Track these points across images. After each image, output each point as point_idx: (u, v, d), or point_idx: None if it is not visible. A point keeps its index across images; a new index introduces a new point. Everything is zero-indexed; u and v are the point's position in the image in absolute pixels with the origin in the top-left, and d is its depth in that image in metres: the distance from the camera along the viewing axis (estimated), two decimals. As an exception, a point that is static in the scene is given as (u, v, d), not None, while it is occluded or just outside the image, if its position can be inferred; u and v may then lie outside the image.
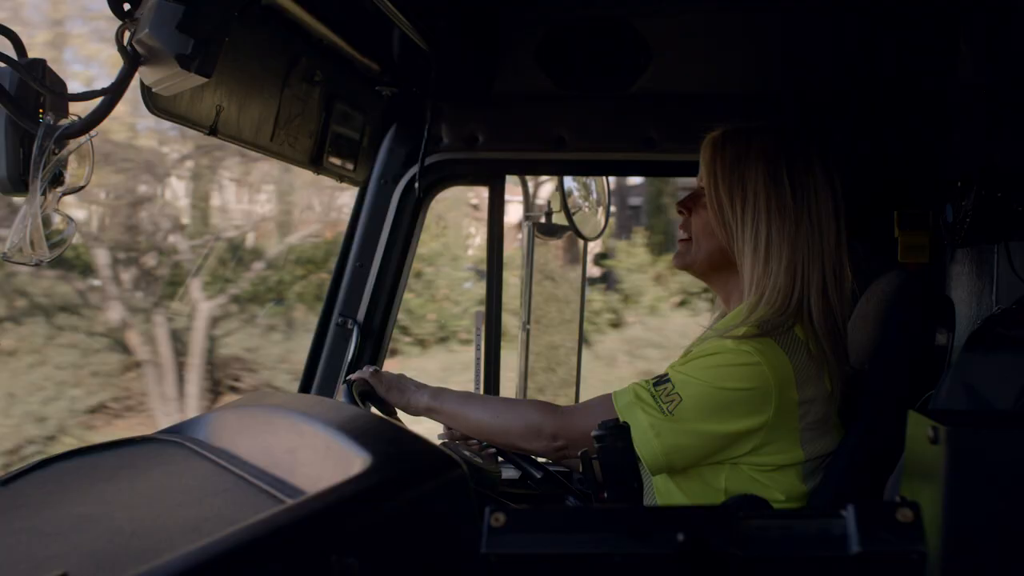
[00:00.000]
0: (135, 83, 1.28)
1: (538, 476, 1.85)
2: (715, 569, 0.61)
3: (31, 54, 1.21)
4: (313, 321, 4.17)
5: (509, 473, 1.92)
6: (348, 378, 1.77)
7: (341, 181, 2.34)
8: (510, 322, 2.75)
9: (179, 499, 0.97)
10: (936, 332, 1.61)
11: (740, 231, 1.58)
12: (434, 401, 1.72)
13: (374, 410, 1.72)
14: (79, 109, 1.24)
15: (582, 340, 3.31)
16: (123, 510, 0.94)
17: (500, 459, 1.85)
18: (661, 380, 1.53)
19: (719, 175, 1.61)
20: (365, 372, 1.78)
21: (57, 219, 1.24)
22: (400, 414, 1.80)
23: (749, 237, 1.57)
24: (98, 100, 1.22)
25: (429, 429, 1.85)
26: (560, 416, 1.64)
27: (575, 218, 2.76)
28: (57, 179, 1.21)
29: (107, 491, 1.01)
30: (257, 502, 0.92)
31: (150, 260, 8.63)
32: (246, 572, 0.75)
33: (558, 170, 2.62)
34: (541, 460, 1.92)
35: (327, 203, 9.44)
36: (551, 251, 3.12)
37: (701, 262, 1.66)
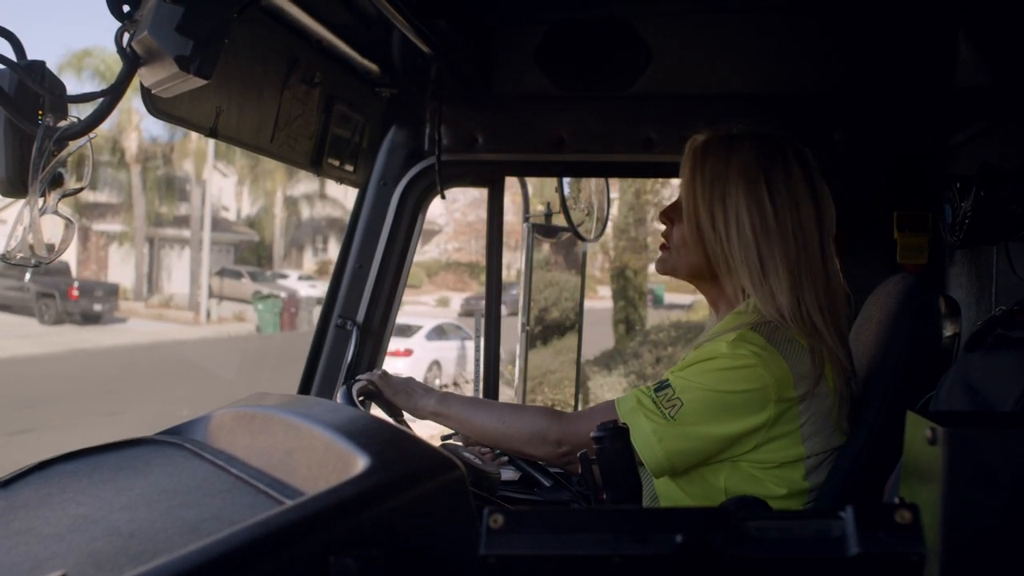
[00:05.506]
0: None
1: (547, 484, 1.86)
2: (714, 570, 0.61)
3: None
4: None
5: (507, 475, 1.92)
6: (358, 377, 1.79)
7: (341, 183, 2.34)
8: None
9: (178, 500, 0.97)
10: (943, 335, 1.61)
11: (727, 250, 1.58)
12: (441, 406, 1.73)
13: (379, 413, 1.73)
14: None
15: (581, 343, 3.32)
16: (122, 511, 0.94)
17: (507, 464, 1.86)
18: (662, 386, 1.55)
19: (698, 194, 1.60)
20: (374, 375, 1.80)
21: (56, 220, 1.24)
22: (408, 418, 1.82)
23: (740, 258, 1.57)
24: (97, 102, 1.22)
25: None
26: (564, 422, 1.65)
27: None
28: (57, 181, 1.21)
29: (106, 492, 1.01)
30: (256, 503, 0.92)
31: None
32: (244, 573, 0.75)
33: (558, 171, 2.62)
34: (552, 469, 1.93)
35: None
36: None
37: (683, 271, 1.68)
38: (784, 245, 1.57)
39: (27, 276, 21.98)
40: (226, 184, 29.84)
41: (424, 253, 33.33)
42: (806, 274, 1.57)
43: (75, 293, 22.29)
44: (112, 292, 23.87)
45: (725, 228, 1.58)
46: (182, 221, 27.92)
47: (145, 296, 26.83)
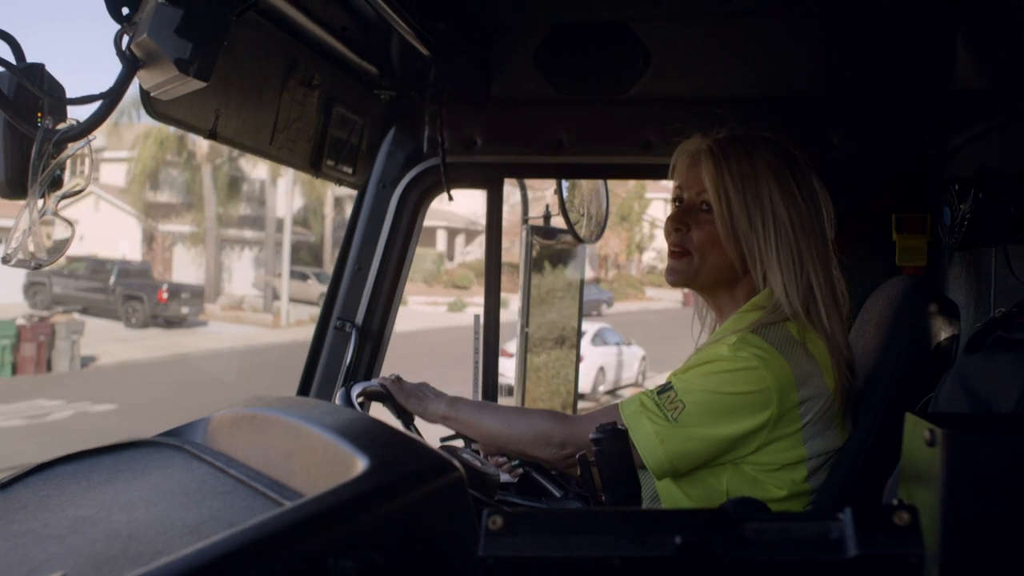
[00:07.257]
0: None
1: (558, 495, 1.86)
2: (713, 572, 0.61)
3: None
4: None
5: (504, 477, 1.93)
6: (372, 380, 1.82)
7: (340, 184, 2.35)
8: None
9: (177, 502, 0.97)
10: (942, 337, 1.61)
11: (763, 247, 1.59)
12: (450, 409, 1.76)
13: (386, 415, 1.75)
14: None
15: (579, 344, 3.32)
16: (121, 513, 0.94)
17: (522, 474, 1.87)
18: (664, 389, 1.56)
19: (731, 194, 1.60)
20: (387, 379, 1.83)
21: (56, 222, 1.24)
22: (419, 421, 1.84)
23: (778, 254, 1.58)
24: (96, 104, 1.22)
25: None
26: (568, 424, 1.67)
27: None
28: (56, 183, 1.22)
29: (105, 494, 1.01)
30: (255, 505, 0.92)
31: None
32: (243, 575, 0.75)
33: (556, 173, 2.62)
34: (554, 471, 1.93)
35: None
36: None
37: (706, 276, 1.66)
38: (815, 239, 1.60)
39: (112, 279, 21.60)
40: (280, 184, 29.68)
41: (467, 254, 33.21)
42: (826, 268, 1.60)
43: (164, 296, 21.76)
44: (198, 294, 23.28)
45: (763, 225, 1.59)
46: (244, 221, 27.63)
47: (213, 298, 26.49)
